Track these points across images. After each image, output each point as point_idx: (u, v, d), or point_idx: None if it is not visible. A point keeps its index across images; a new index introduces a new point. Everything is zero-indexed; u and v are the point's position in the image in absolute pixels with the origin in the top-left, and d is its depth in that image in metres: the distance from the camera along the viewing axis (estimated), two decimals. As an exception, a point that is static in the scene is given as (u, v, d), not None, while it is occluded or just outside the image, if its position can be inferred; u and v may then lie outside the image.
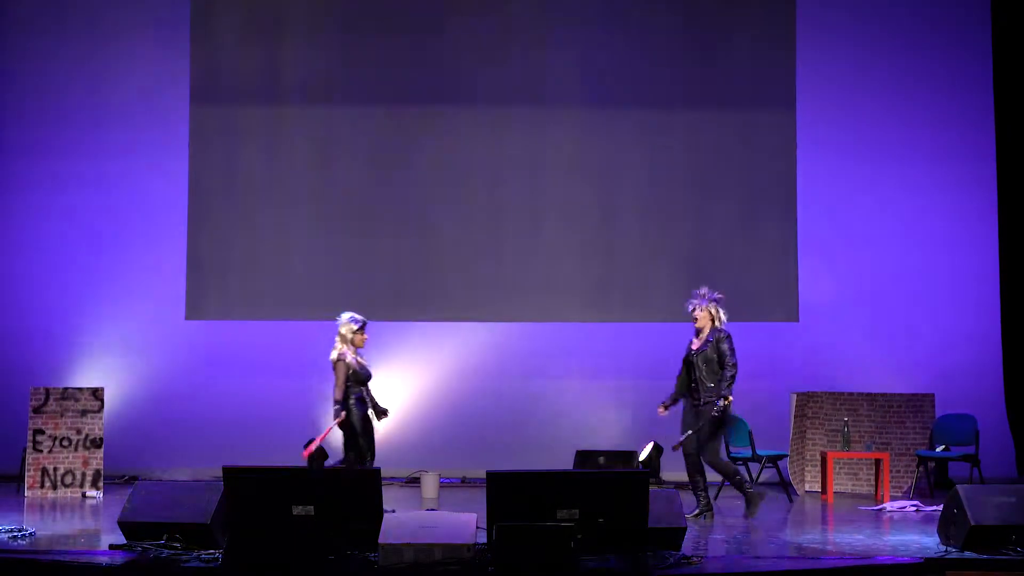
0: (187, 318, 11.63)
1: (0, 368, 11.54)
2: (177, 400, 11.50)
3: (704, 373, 8.67)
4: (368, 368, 8.96)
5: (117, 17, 11.78)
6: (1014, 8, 11.72)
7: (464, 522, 6.21)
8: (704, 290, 8.84)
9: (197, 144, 11.68)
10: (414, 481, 10.66)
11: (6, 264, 11.74)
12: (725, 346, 8.71)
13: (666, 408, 8.82)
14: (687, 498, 8.48)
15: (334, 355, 8.88)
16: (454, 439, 11.38)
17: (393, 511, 6.64)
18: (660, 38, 11.78)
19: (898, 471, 10.60)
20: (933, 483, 10.52)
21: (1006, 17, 11.73)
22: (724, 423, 8.75)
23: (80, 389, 10.26)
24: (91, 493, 9.99)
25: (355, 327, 8.92)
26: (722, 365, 8.68)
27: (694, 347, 8.78)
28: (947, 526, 6.90)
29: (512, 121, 11.73)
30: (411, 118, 11.71)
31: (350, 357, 8.83)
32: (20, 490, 10.05)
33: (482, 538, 6.24)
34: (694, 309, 8.77)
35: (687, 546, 6.65)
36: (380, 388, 11.68)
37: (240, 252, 11.66)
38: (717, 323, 8.78)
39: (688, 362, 8.77)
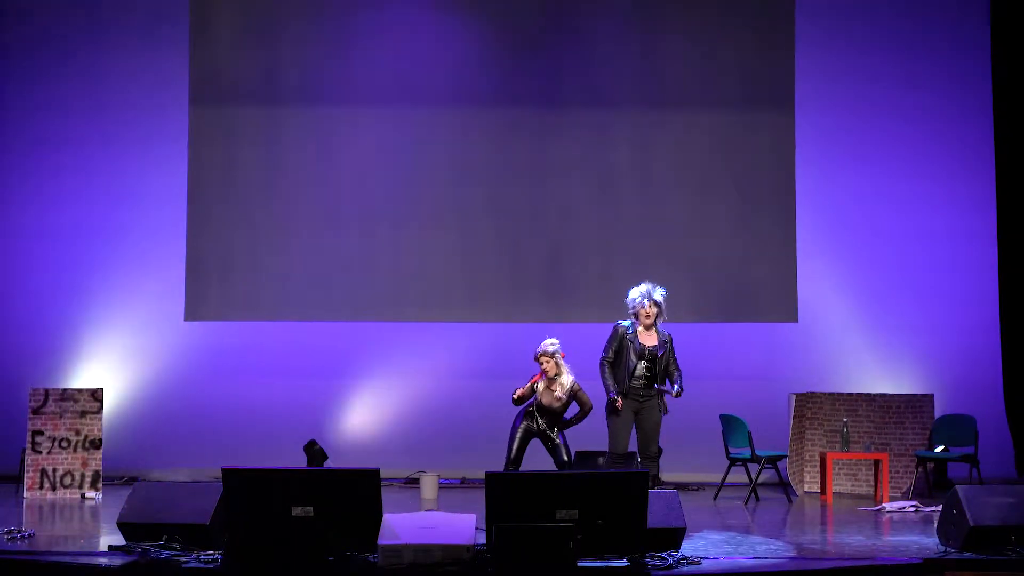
0: (186, 319, 11.62)
1: (-1, 369, 11.58)
2: (176, 401, 11.50)
3: (660, 371, 8.61)
4: (545, 396, 8.84)
5: (116, 17, 11.78)
6: (1012, 4, 11.72)
7: (463, 523, 6.21)
8: (646, 286, 8.70)
9: (196, 144, 11.68)
10: (413, 482, 10.66)
11: (5, 265, 11.75)
12: (673, 348, 8.75)
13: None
14: (686, 498, 8.49)
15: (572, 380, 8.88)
16: (453, 440, 11.39)
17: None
18: (659, 37, 11.78)
19: (897, 472, 10.61)
20: (932, 484, 10.53)
21: (1005, 13, 11.73)
22: None
23: (79, 390, 10.25)
24: (90, 494, 9.99)
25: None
26: (670, 367, 8.67)
27: (649, 342, 8.61)
28: (946, 527, 6.91)
29: (511, 121, 11.72)
30: (411, 118, 11.71)
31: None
32: (19, 491, 10.05)
33: (481, 539, 6.24)
34: (653, 302, 8.61)
35: (686, 546, 6.65)
36: (380, 388, 11.74)
37: (239, 253, 11.66)
38: (663, 318, 8.73)
39: (646, 358, 8.56)
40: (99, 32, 11.78)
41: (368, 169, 11.69)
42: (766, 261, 11.65)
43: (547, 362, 8.82)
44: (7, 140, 11.80)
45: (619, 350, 8.64)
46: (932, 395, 10.84)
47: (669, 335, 8.74)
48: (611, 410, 8.56)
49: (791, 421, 10.87)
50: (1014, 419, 11.50)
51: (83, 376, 11.45)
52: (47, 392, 10.16)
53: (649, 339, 8.64)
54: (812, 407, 10.91)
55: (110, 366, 11.53)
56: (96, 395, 10.22)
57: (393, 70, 11.72)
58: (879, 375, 11.54)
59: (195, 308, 11.62)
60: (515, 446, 8.83)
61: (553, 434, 8.83)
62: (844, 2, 11.90)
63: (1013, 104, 11.78)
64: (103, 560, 6.34)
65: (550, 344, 8.87)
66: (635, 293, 8.70)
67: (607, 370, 8.64)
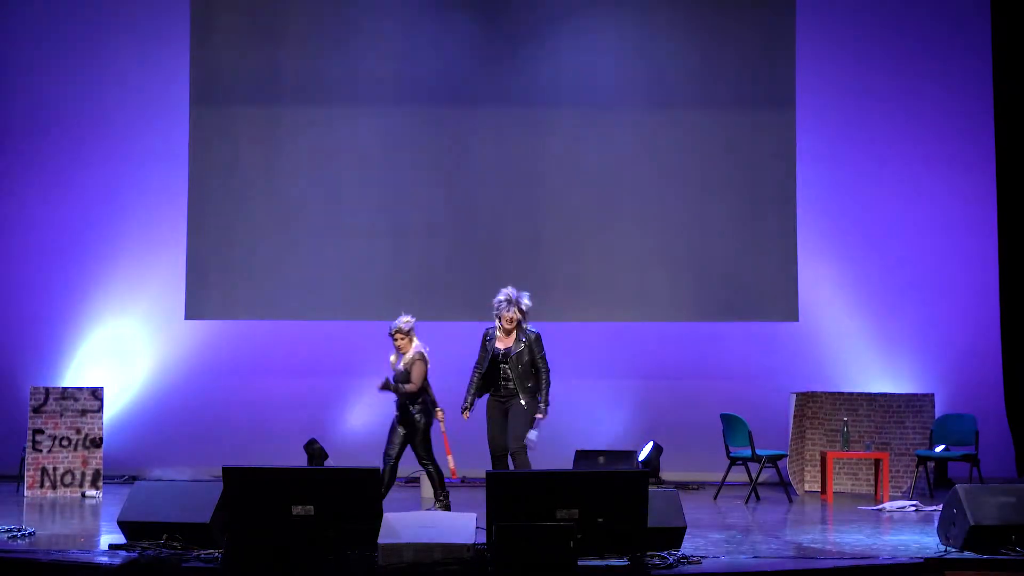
0: (187, 318, 11.62)
1: (0, 368, 11.56)
2: (177, 400, 11.51)
3: (519, 373, 8.56)
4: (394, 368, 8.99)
5: (116, 18, 11.78)
6: (1014, 6, 11.71)
7: (464, 522, 6.21)
8: (510, 290, 8.72)
9: (197, 144, 11.67)
10: (414, 481, 10.66)
11: (6, 264, 11.75)
12: (539, 348, 8.64)
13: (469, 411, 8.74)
14: (687, 498, 8.48)
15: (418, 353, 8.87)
16: (453, 439, 11.36)
17: None
18: (660, 37, 11.77)
19: (898, 471, 10.60)
20: (933, 483, 10.52)
21: (1005, 13, 11.71)
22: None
23: (80, 389, 10.26)
24: (91, 493, 9.99)
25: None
26: (535, 366, 8.61)
27: (503, 346, 8.63)
28: (947, 526, 6.91)
29: (512, 121, 11.72)
30: (411, 118, 11.71)
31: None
32: (20, 490, 10.06)
33: (481, 538, 6.24)
34: (518, 308, 8.62)
35: (687, 546, 6.65)
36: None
37: (240, 252, 11.65)
38: (524, 322, 8.69)
39: (496, 361, 8.61)
40: (100, 31, 11.78)
41: (368, 168, 11.68)
42: (766, 261, 11.64)
43: (400, 339, 8.92)
44: (7, 138, 11.80)
45: (485, 355, 8.70)
46: (932, 394, 10.84)
47: (535, 334, 8.69)
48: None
49: (792, 420, 10.86)
50: (1014, 419, 11.49)
51: (83, 375, 11.45)
52: (47, 391, 10.17)
53: (505, 342, 8.66)
54: (813, 406, 10.91)
55: (110, 365, 11.53)
56: (96, 394, 10.22)
57: (393, 70, 11.71)
58: (879, 374, 11.53)
59: (196, 307, 11.62)
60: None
61: (413, 409, 8.84)
62: (845, 4, 11.88)
63: (1014, 102, 11.76)
64: (103, 559, 6.34)
65: (405, 323, 8.95)
66: (499, 297, 8.72)
67: (472, 377, 8.74)
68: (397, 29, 11.75)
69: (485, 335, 8.79)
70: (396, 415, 8.94)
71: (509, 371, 8.60)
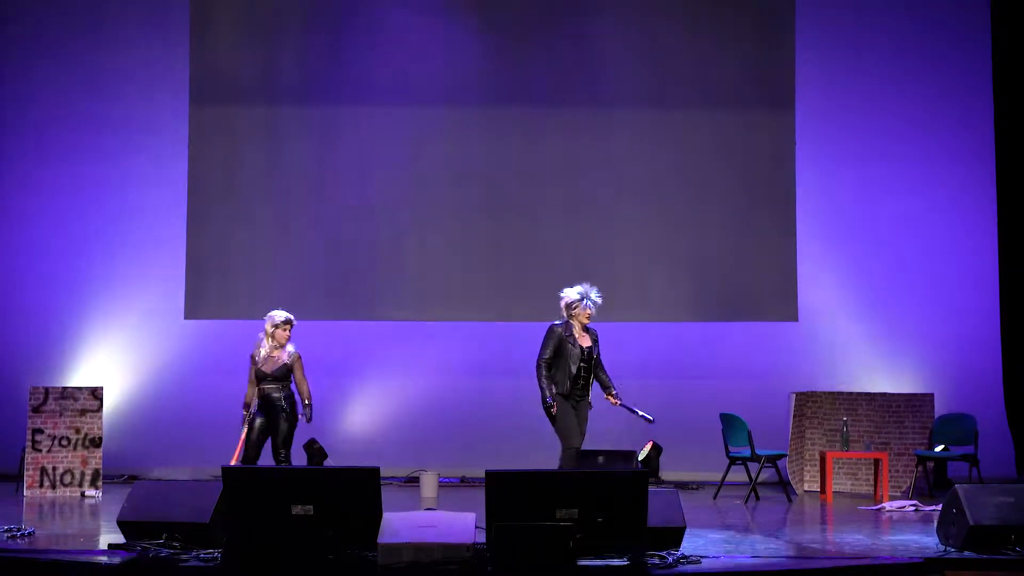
0: (186, 317, 11.63)
1: (0, 367, 11.56)
2: (176, 399, 11.51)
3: (595, 369, 8.66)
4: (267, 364, 8.97)
5: (116, 18, 11.79)
6: (1013, 6, 11.72)
7: (463, 521, 6.20)
8: (581, 286, 8.68)
9: (196, 144, 11.69)
10: (413, 480, 10.66)
11: (6, 263, 11.75)
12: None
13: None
14: (687, 498, 8.48)
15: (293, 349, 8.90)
16: (453, 438, 11.39)
17: None
18: (660, 37, 11.78)
19: (897, 471, 10.61)
20: (932, 483, 10.53)
21: (1005, 15, 11.73)
22: None
23: (79, 388, 10.27)
24: (90, 492, 10.00)
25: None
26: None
27: (585, 343, 8.58)
28: (946, 526, 6.90)
29: (511, 120, 11.73)
30: (410, 117, 11.71)
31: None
32: (19, 489, 10.06)
33: (481, 538, 6.23)
34: (595, 304, 8.62)
35: (686, 546, 6.65)
36: (380, 387, 11.74)
37: (239, 252, 11.66)
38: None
39: (581, 359, 8.51)
40: (100, 31, 11.79)
41: (367, 168, 11.69)
42: (766, 261, 11.65)
43: (285, 331, 8.91)
44: (5, 137, 11.80)
45: (558, 352, 8.56)
46: (932, 394, 10.85)
47: (595, 331, 8.74)
48: (550, 413, 8.50)
49: (791, 420, 10.87)
50: (1014, 418, 11.50)
51: (83, 374, 11.45)
52: (47, 390, 10.17)
53: (586, 340, 8.63)
54: (812, 406, 10.91)
55: (110, 364, 11.54)
56: (96, 393, 10.22)
57: (393, 69, 11.72)
58: (879, 374, 11.54)
59: (195, 306, 11.63)
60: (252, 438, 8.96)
61: (282, 401, 8.85)
62: (845, 5, 11.89)
63: (1014, 101, 11.77)
64: (103, 558, 6.34)
65: (279, 314, 8.94)
66: (574, 294, 8.63)
67: (544, 372, 8.53)
68: (396, 28, 11.75)
69: (557, 333, 8.56)
70: (260, 412, 8.92)
71: (589, 368, 8.59)
